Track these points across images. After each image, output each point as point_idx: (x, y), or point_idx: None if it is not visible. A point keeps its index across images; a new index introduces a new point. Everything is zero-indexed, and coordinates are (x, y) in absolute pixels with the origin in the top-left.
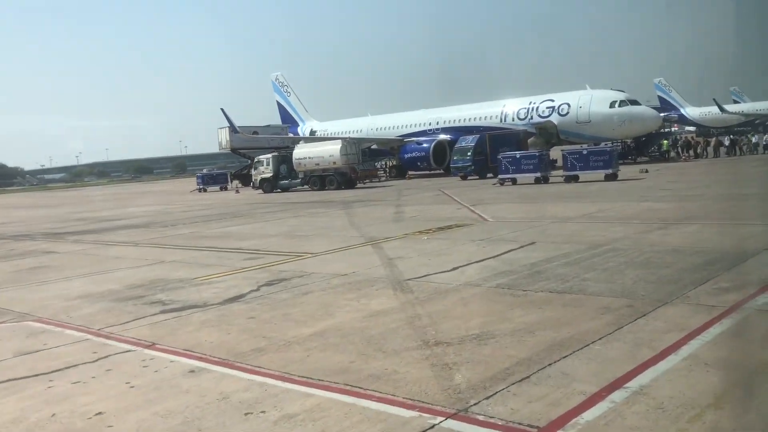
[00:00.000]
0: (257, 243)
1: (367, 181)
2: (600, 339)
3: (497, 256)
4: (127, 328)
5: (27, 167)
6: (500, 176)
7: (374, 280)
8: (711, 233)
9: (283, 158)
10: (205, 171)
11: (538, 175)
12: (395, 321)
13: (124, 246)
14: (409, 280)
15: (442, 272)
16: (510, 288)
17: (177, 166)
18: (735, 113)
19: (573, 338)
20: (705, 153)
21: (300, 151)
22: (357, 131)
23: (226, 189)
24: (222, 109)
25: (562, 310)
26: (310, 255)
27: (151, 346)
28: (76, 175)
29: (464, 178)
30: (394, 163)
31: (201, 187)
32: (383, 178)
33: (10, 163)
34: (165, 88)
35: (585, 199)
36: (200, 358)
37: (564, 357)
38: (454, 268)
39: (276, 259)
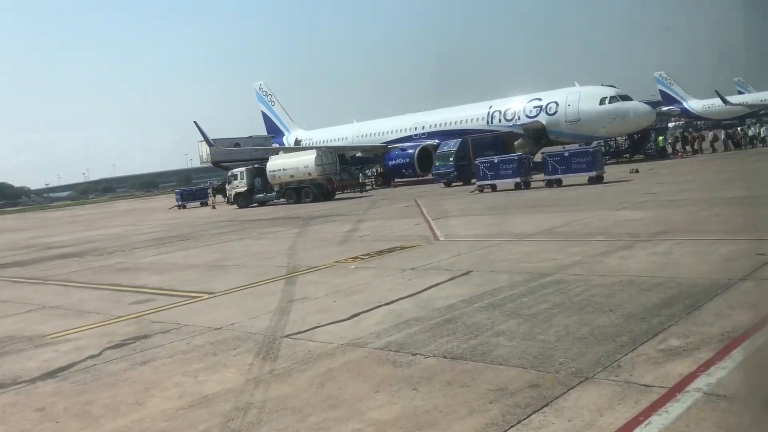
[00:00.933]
0: (169, 278)
1: (348, 191)
2: None
3: (416, 294)
4: None
5: (34, 186)
6: (478, 183)
7: (246, 337)
8: (683, 254)
9: (258, 171)
10: (211, 181)
11: (518, 180)
12: (211, 417)
13: (30, 284)
14: (288, 336)
15: (335, 322)
16: (399, 350)
17: (182, 180)
18: (738, 104)
19: None
20: (701, 148)
21: (274, 163)
22: (342, 139)
23: (206, 204)
24: (195, 122)
25: (440, 394)
26: (207, 295)
27: None
28: (81, 193)
29: (448, 184)
30: (380, 170)
31: (180, 203)
32: (368, 188)
33: (18, 183)
34: (169, 102)
35: (557, 208)
36: None
37: None
38: (354, 316)
39: (166, 303)
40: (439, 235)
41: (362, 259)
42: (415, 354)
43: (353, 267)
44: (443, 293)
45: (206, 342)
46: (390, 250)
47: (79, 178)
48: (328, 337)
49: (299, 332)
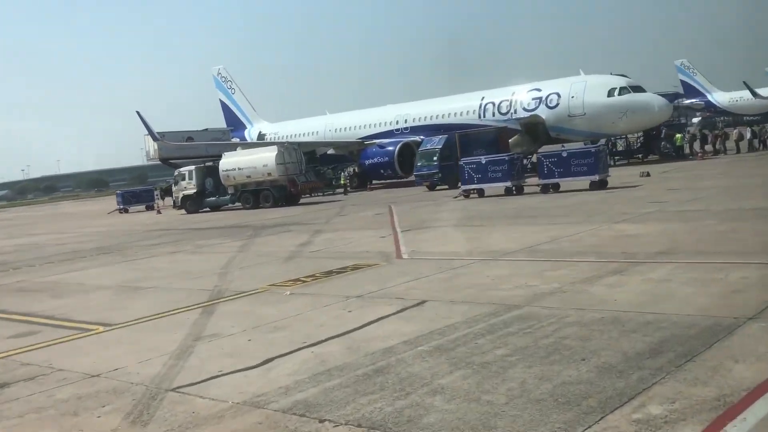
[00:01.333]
0: (69, 303)
1: (319, 194)
2: None
3: (351, 331)
4: None
5: None
6: (463, 187)
7: (125, 389)
8: (684, 281)
9: (210, 170)
10: (167, 180)
11: (509, 184)
12: None
13: None
14: (175, 389)
15: (240, 370)
16: (305, 413)
17: (136, 178)
18: None
19: None
20: (724, 148)
21: (228, 161)
22: (313, 133)
23: (152, 208)
24: (138, 112)
25: None
26: (103, 328)
27: None
28: (19, 192)
29: (431, 187)
30: (356, 170)
31: (121, 207)
32: (340, 190)
33: None
34: (121, 90)
35: (547, 219)
36: None
37: None
38: (267, 361)
39: (50, 338)
40: (403, 252)
41: (303, 282)
42: (324, 420)
43: (288, 293)
44: (384, 331)
45: (72, 396)
46: (340, 271)
47: (17, 176)
48: (225, 391)
49: (191, 384)
